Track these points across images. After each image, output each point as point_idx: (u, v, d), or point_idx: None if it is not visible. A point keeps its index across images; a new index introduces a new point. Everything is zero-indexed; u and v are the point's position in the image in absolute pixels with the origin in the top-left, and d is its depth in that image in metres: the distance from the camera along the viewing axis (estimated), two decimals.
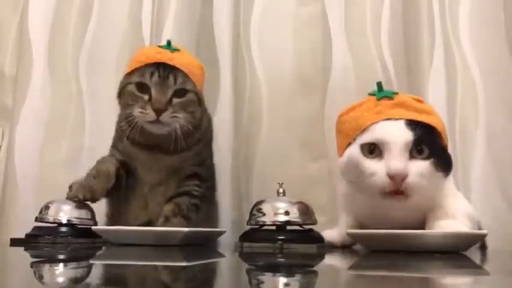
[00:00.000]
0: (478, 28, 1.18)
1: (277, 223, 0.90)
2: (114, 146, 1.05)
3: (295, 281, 0.48)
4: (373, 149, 0.76)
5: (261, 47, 1.27)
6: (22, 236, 0.99)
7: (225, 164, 1.17)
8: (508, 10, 1.16)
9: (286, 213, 0.90)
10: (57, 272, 0.55)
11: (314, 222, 0.93)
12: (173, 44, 1.02)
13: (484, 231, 0.76)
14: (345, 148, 0.81)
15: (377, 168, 0.75)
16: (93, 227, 0.90)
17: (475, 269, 0.62)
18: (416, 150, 0.74)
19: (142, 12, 1.33)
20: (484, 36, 1.17)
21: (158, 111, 0.92)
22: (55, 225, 0.97)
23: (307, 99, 1.23)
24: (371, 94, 0.83)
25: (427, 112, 0.80)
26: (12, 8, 1.42)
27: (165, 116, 0.93)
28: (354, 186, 0.81)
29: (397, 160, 0.73)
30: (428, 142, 0.75)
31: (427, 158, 0.74)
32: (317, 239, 0.91)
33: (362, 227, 0.86)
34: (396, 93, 0.82)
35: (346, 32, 1.23)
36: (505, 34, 1.16)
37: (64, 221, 0.97)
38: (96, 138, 1.26)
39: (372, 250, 0.78)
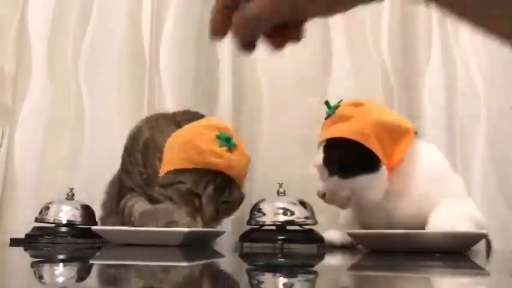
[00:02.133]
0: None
1: (277, 223, 0.90)
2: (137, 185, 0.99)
3: (295, 281, 0.48)
4: None
5: (261, 47, 1.27)
6: (22, 236, 0.99)
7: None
8: None
9: (286, 213, 0.90)
10: (57, 272, 0.55)
11: (314, 222, 0.93)
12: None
13: (483, 231, 0.76)
14: None
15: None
16: (93, 227, 0.90)
17: (475, 269, 0.62)
18: (327, 170, 0.84)
19: (142, 12, 1.33)
20: (483, 37, 1.17)
21: (207, 224, 0.90)
22: (55, 225, 0.97)
23: (308, 99, 1.23)
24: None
25: (353, 118, 0.84)
26: (12, 8, 1.42)
27: (211, 225, 0.92)
28: None
29: (319, 184, 0.86)
30: (334, 159, 0.84)
31: (335, 173, 0.83)
32: (317, 239, 0.91)
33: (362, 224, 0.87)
34: (337, 107, 0.87)
35: (346, 32, 1.23)
36: None
37: (64, 221, 0.97)
38: (96, 138, 1.26)
39: (372, 250, 0.78)
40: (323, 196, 0.85)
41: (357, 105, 0.86)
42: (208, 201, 0.89)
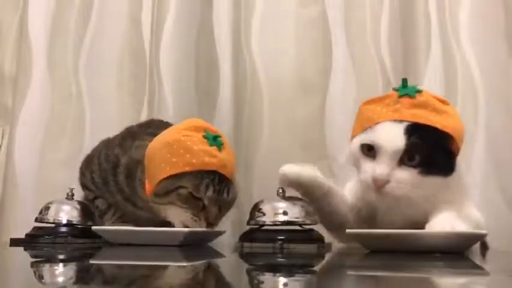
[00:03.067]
0: (477, 28, 1.18)
1: (277, 223, 0.90)
2: (105, 186, 1.01)
3: (295, 281, 0.48)
4: (370, 149, 0.79)
5: (261, 48, 1.27)
6: (22, 236, 0.99)
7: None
8: (507, 10, 1.17)
9: (286, 213, 0.90)
10: (57, 272, 0.55)
11: (314, 222, 0.93)
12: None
13: (483, 231, 0.76)
14: (356, 135, 0.84)
15: (368, 168, 0.78)
16: (93, 227, 0.90)
17: (475, 269, 0.62)
18: (406, 157, 0.76)
19: (142, 12, 1.33)
20: (483, 37, 1.18)
21: (211, 224, 0.90)
22: (55, 225, 0.97)
23: (308, 100, 1.23)
24: (394, 89, 0.83)
25: (447, 114, 0.80)
26: (12, 9, 1.42)
27: (214, 226, 0.92)
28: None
29: (381, 166, 0.77)
30: (422, 150, 0.76)
31: (416, 166, 0.76)
32: (317, 238, 0.90)
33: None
34: (420, 92, 0.81)
35: (346, 33, 1.23)
36: (505, 34, 1.16)
37: (64, 221, 0.97)
38: (96, 138, 1.25)
39: (372, 250, 0.78)
40: (382, 182, 0.76)
41: (443, 102, 0.82)
42: (210, 203, 0.89)
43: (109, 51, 1.33)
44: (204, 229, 0.97)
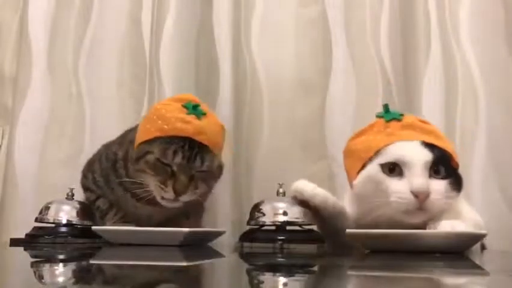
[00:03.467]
0: (477, 29, 1.18)
1: (277, 223, 0.90)
2: (107, 184, 1.00)
3: (295, 281, 0.48)
4: (393, 168, 0.77)
5: (261, 47, 1.27)
6: (22, 236, 0.99)
7: (225, 164, 1.17)
8: (507, 9, 1.17)
9: (286, 213, 0.90)
10: (57, 272, 0.55)
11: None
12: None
13: (483, 231, 0.76)
14: (359, 171, 0.80)
15: (400, 186, 0.75)
16: (93, 227, 0.90)
17: (475, 269, 0.62)
18: (434, 170, 0.76)
19: (142, 12, 1.33)
20: (483, 37, 1.17)
21: (179, 193, 0.87)
22: (55, 225, 0.97)
23: (308, 100, 1.23)
24: (378, 116, 0.83)
25: (436, 134, 0.81)
26: (12, 8, 1.42)
27: (184, 197, 0.88)
28: (373, 205, 0.79)
29: (420, 178, 0.74)
30: (444, 163, 0.77)
31: (444, 177, 0.76)
32: (317, 239, 0.91)
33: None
34: (402, 115, 0.83)
35: (346, 34, 1.23)
36: (505, 33, 1.16)
37: (64, 221, 0.97)
38: (96, 138, 1.26)
39: (372, 250, 0.78)
40: (426, 194, 0.73)
41: (426, 122, 0.84)
42: (179, 170, 0.86)
43: (109, 51, 1.33)
44: (203, 229, 0.97)
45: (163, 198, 0.88)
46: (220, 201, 1.14)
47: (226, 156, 0.97)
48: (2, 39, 1.41)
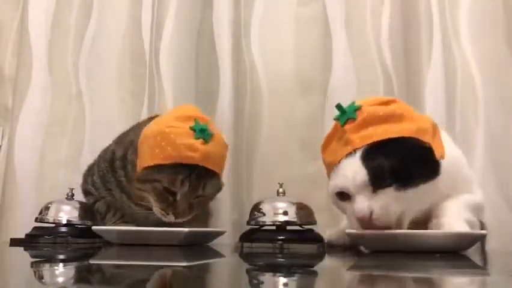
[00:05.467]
0: (477, 28, 1.18)
1: (277, 223, 0.90)
2: (103, 185, 1.02)
3: (295, 281, 0.48)
4: (342, 194, 0.76)
5: (261, 47, 1.27)
6: (22, 236, 0.99)
7: (225, 164, 1.17)
8: (507, 10, 1.16)
9: (286, 213, 0.90)
10: (57, 272, 0.55)
11: (314, 222, 0.93)
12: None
13: (483, 231, 0.76)
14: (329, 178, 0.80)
15: (349, 211, 0.76)
16: (93, 227, 0.90)
17: (475, 269, 0.62)
18: (377, 183, 0.72)
19: (142, 12, 1.33)
20: (483, 36, 1.17)
21: (178, 217, 0.90)
22: (55, 225, 0.97)
23: (308, 99, 1.23)
24: (335, 119, 0.79)
25: (395, 117, 0.76)
26: (13, 8, 1.42)
27: (183, 219, 0.90)
28: None
29: (358, 201, 0.73)
30: (385, 168, 0.72)
31: (390, 184, 0.72)
32: (317, 239, 0.91)
33: None
34: (358, 108, 0.77)
35: (346, 32, 1.23)
36: (505, 34, 1.16)
37: (64, 221, 0.97)
38: (96, 138, 1.26)
39: (372, 250, 0.78)
40: (367, 218, 0.72)
41: (386, 103, 0.78)
42: (182, 198, 0.89)
43: (109, 51, 1.33)
44: (204, 229, 0.97)
45: (163, 219, 0.91)
46: (220, 201, 1.14)
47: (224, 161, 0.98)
48: (2, 39, 1.41)
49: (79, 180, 1.08)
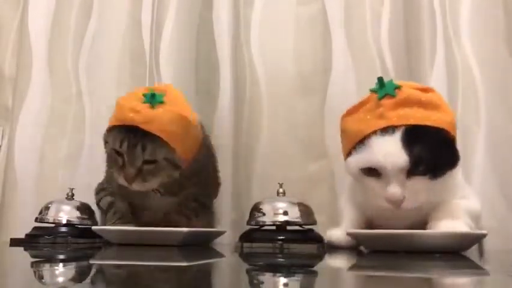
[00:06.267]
0: (478, 28, 1.18)
1: (277, 223, 0.90)
2: (109, 173, 1.02)
3: (295, 281, 0.48)
4: (371, 170, 0.76)
5: (261, 47, 1.27)
6: (22, 236, 0.99)
7: (225, 164, 1.17)
8: (507, 10, 1.16)
9: (286, 213, 0.90)
10: (57, 272, 0.55)
11: (314, 222, 0.93)
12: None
13: (483, 231, 0.76)
14: (348, 153, 0.80)
15: (377, 189, 0.76)
16: (93, 227, 0.91)
17: (475, 269, 0.62)
18: (413, 169, 0.74)
19: (142, 12, 1.33)
20: (484, 36, 1.17)
21: (128, 180, 0.90)
22: (55, 225, 0.97)
23: (308, 99, 1.23)
24: (372, 90, 0.80)
25: (433, 104, 0.77)
26: (12, 8, 1.42)
27: (135, 184, 0.90)
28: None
29: (393, 186, 0.74)
30: (425, 157, 0.73)
31: (425, 173, 0.74)
32: (317, 239, 0.91)
33: (368, 221, 0.86)
34: (398, 87, 0.78)
35: (346, 32, 1.23)
36: (505, 34, 1.16)
37: (64, 221, 0.97)
38: (96, 138, 1.25)
39: (372, 250, 0.78)
40: (399, 203, 0.74)
41: (425, 90, 0.79)
42: (128, 160, 0.89)
43: (109, 51, 1.33)
44: (203, 229, 0.97)
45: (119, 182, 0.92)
46: (220, 201, 1.14)
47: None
48: (2, 39, 1.41)
49: (79, 180, 1.08)
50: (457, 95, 1.15)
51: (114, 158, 0.92)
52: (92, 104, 1.31)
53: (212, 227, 1.08)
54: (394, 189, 0.74)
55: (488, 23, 1.17)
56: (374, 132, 0.76)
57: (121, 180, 0.91)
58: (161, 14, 1.26)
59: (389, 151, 0.74)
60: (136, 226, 0.96)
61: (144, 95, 0.91)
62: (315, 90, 1.23)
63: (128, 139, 0.89)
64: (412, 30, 1.19)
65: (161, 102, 0.90)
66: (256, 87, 1.25)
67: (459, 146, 1.10)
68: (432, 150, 0.74)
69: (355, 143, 0.78)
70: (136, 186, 0.90)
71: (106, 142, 0.93)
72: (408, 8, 1.20)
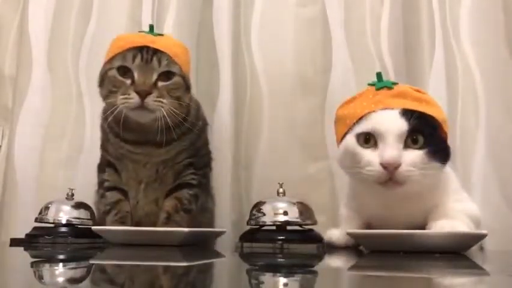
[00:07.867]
0: (477, 28, 1.18)
1: (277, 223, 0.90)
2: (103, 147, 1.02)
3: (295, 281, 0.48)
4: (368, 139, 0.77)
5: (261, 47, 1.27)
6: (22, 236, 0.99)
7: (225, 165, 1.17)
8: (507, 11, 1.16)
9: (286, 213, 0.90)
10: (57, 272, 0.55)
11: (314, 223, 0.93)
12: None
13: (483, 232, 0.76)
14: (343, 137, 0.82)
15: (371, 158, 0.76)
16: (93, 227, 0.90)
17: (475, 269, 0.62)
18: (410, 139, 0.75)
19: (142, 12, 1.33)
20: (483, 37, 1.17)
21: (142, 94, 0.86)
22: (55, 225, 0.97)
23: (308, 99, 1.23)
24: (370, 84, 0.83)
25: (427, 102, 0.80)
26: (12, 8, 1.42)
27: (150, 100, 0.87)
28: (351, 175, 0.83)
29: (390, 149, 0.74)
30: (424, 132, 0.75)
31: (421, 147, 0.75)
32: (317, 239, 0.91)
33: (367, 224, 0.86)
34: (395, 84, 0.82)
35: (346, 32, 1.23)
36: (505, 34, 1.16)
37: (64, 221, 0.97)
38: (96, 138, 1.25)
39: (372, 250, 0.78)
40: (393, 166, 0.73)
41: (420, 91, 0.83)
42: (139, 72, 0.88)
43: None
44: (203, 229, 0.97)
45: (130, 108, 0.88)
46: (220, 201, 1.14)
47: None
48: (2, 39, 1.41)
49: (79, 180, 1.08)
50: (456, 96, 1.15)
51: (119, 82, 0.89)
52: (92, 104, 1.31)
53: (209, 210, 1.08)
54: (391, 152, 0.73)
55: (488, 24, 1.17)
56: (372, 112, 0.78)
57: (131, 101, 0.86)
58: (161, 14, 1.26)
59: (388, 118, 0.76)
60: (135, 226, 0.96)
61: (143, 31, 0.97)
62: (315, 90, 1.23)
63: (141, 54, 0.89)
64: (411, 31, 1.19)
65: (161, 35, 0.97)
66: (256, 87, 1.25)
67: (459, 146, 1.11)
68: (429, 129, 0.76)
69: (352, 123, 0.80)
70: (149, 101, 0.87)
71: (109, 69, 0.90)
72: (408, 9, 1.20)
